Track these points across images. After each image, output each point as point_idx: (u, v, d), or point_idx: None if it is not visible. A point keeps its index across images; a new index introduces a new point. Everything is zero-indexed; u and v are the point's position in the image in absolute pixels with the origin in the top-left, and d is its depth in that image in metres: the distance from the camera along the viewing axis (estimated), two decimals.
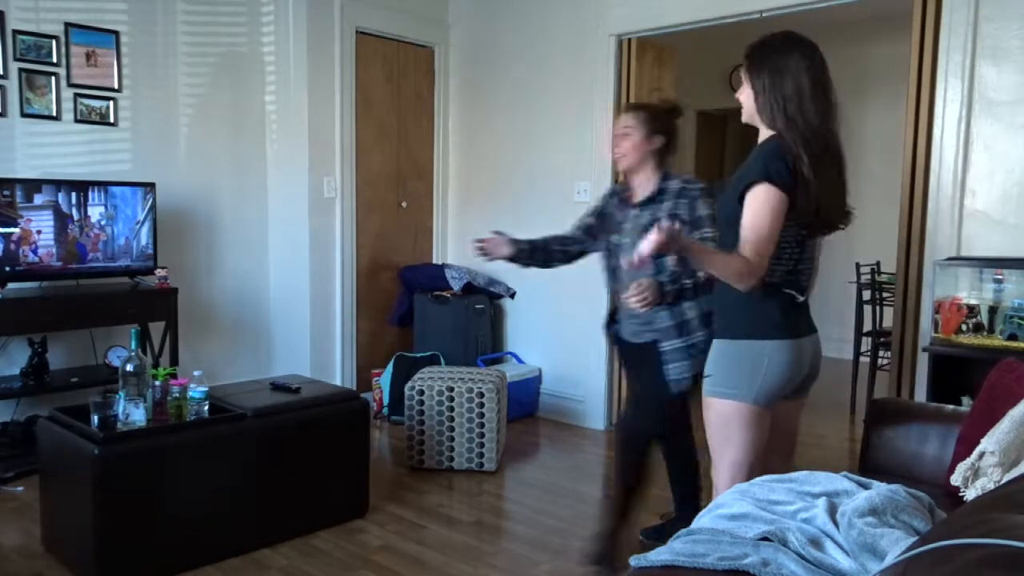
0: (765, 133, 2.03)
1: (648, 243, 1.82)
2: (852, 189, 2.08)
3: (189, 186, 4.25)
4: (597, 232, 2.87)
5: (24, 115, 3.76)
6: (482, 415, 3.67)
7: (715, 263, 1.94)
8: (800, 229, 1.98)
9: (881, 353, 4.75)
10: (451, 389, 3.69)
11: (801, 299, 2.06)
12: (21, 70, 3.73)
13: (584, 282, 4.57)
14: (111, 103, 4.02)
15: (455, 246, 5.27)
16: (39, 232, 3.64)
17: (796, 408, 2.20)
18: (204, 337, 4.40)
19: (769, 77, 1.97)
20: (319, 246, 4.55)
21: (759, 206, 1.90)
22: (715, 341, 2.08)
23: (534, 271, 4.80)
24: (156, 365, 3.63)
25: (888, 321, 4.04)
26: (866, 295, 5.06)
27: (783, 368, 2.00)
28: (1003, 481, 1.67)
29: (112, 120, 4.03)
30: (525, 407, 4.70)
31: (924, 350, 3.23)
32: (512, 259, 2.81)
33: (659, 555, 1.57)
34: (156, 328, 3.98)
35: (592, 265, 4.53)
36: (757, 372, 1.99)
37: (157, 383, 2.68)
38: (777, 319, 2.00)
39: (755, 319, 2.00)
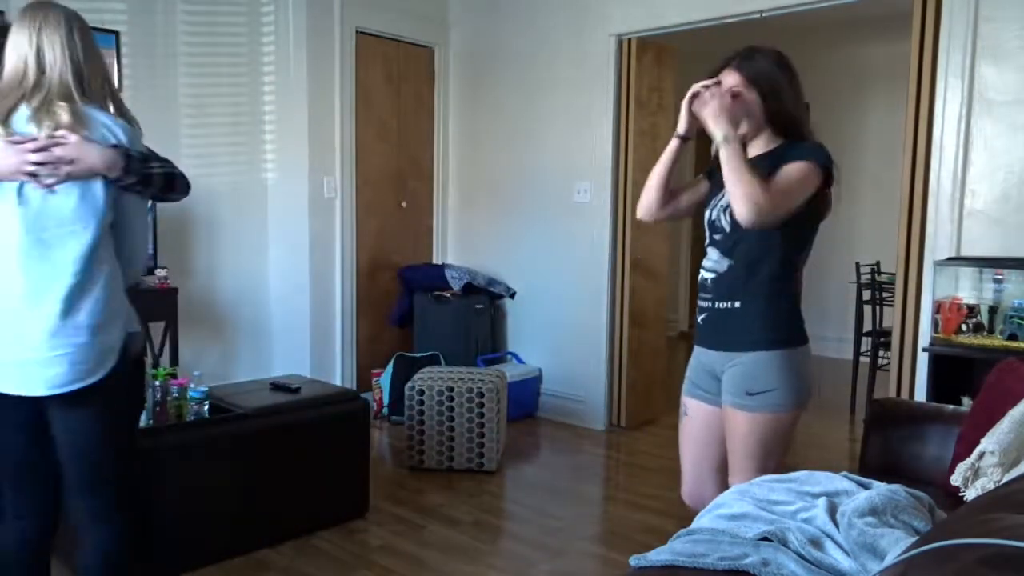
0: (766, 141, 2.00)
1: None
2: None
3: None
4: None
5: None
6: (482, 415, 3.67)
7: (744, 172, 1.83)
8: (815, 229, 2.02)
9: (881, 353, 4.75)
10: (451, 389, 3.69)
11: None
12: None
13: (585, 282, 4.59)
14: None
15: (455, 246, 5.27)
16: None
17: None
18: (204, 337, 4.40)
19: (793, 88, 1.98)
20: (319, 246, 4.55)
21: (799, 176, 1.88)
22: (765, 353, 1.95)
23: (534, 271, 4.85)
24: (156, 365, 3.64)
25: (888, 321, 4.03)
26: (866, 295, 5.06)
27: (812, 365, 2.05)
28: (1003, 481, 1.67)
29: None
30: (525, 407, 4.69)
31: (924, 350, 3.23)
32: None
33: (659, 555, 1.57)
34: (156, 328, 3.97)
35: (593, 264, 4.55)
36: (810, 375, 2.02)
37: (157, 383, 2.68)
38: (802, 319, 2.04)
39: (798, 323, 2.02)
